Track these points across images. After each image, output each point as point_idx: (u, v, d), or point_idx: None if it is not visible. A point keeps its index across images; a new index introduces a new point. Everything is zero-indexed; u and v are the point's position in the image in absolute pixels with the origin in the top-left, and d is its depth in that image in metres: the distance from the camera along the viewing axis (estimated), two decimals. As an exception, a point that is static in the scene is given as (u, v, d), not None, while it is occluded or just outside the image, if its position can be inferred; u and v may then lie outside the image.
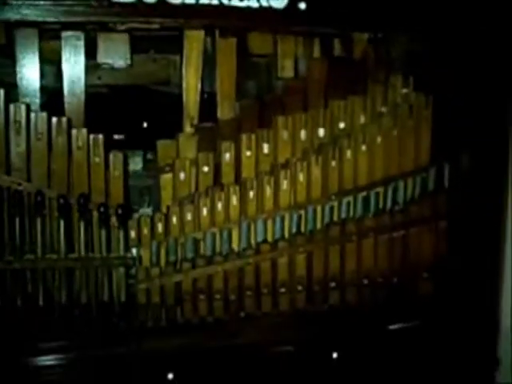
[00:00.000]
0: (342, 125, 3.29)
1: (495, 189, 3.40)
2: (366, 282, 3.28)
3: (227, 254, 3.13)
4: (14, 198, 2.95)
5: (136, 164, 3.43)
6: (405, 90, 3.36)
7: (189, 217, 3.14)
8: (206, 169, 3.22)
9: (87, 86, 3.22)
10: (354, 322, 3.25)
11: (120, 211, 3.00)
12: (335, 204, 3.24)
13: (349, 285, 3.26)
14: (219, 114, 3.36)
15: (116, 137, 3.49)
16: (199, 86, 3.35)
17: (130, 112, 3.43)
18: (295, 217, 3.19)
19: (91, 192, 3.06)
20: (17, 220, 2.97)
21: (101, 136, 3.07)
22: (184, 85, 3.33)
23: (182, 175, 3.21)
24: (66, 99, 3.19)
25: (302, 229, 3.21)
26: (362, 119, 3.31)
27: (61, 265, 2.99)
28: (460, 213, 3.36)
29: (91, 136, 3.05)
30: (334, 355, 3.22)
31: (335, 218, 3.24)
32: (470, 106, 3.33)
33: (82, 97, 3.20)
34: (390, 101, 3.32)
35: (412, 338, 3.31)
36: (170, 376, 3.05)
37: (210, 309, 3.15)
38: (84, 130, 3.05)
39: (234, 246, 3.16)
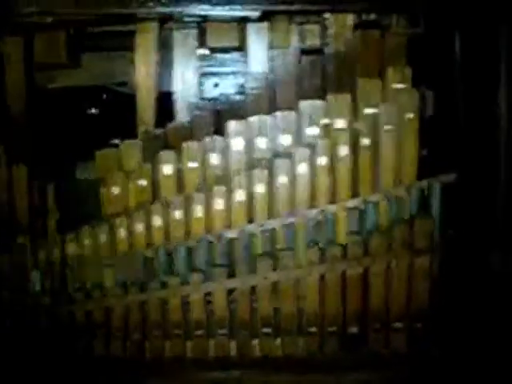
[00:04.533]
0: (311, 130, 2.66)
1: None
2: (312, 329, 2.58)
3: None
4: None
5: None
6: (400, 86, 2.64)
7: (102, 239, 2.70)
8: (143, 183, 2.75)
9: (33, 88, 2.92)
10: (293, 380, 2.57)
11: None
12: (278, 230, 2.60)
13: (287, 332, 2.58)
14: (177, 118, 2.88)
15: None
16: (153, 85, 2.90)
17: (80, 115, 3.09)
18: (220, 245, 2.60)
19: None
20: None
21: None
22: (136, 85, 2.90)
23: (115, 190, 2.77)
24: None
25: (228, 260, 2.61)
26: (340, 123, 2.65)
27: None
28: (452, 246, 2.55)
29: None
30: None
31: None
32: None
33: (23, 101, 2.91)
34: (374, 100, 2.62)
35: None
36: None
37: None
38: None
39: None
